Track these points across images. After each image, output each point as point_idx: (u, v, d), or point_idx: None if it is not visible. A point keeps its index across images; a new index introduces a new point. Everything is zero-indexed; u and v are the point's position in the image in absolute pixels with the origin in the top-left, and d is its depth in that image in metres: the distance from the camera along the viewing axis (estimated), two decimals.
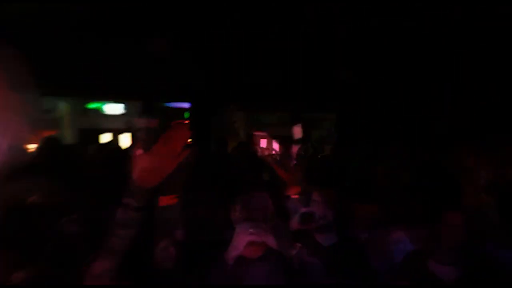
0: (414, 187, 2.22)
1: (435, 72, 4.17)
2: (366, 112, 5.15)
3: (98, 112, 9.59)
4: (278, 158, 1.21)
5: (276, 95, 5.11)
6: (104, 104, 9.53)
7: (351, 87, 4.84)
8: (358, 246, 1.58)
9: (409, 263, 1.44)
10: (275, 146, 1.24)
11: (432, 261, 1.44)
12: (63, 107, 8.80)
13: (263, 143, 1.26)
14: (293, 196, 1.22)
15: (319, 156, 4.01)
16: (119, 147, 4.41)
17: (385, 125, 4.70)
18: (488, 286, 1.36)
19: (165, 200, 1.32)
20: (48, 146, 2.57)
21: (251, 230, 1.24)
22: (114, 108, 9.56)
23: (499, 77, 3.74)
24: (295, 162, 1.18)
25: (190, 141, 0.90)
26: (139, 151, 0.86)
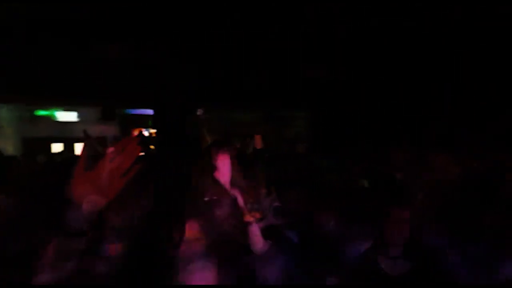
0: (368, 187, 2.41)
1: (408, 73, 4.51)
2: (337, 111, 5.41)
3: (49, 120, 9.02)
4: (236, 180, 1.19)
5: (249, 94, 5.19)
6: (56, 110, 8.99)
7: (324, 86, 5.07)
8: (324, 243, 1.68)
9: (361, 260, 1.56)
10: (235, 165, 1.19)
11: (381, 256, 1.60)
12: (4, 114, 8.17)
13: (221, 160, 1.22)
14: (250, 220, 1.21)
15: (286, 157, 4.16)
16: (72, 158, 4.18)
17: (354, 125, 4.98)
18: (434, 279, 1.51)
19: (112, 249, 1.25)
20: None
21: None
22: (67, 115, 9.06)
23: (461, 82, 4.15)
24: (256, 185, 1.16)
25: (141, 155, 0.83)
26: (81, 167, 0.79)
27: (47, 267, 0.76)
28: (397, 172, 2.04)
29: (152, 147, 4.86)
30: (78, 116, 9.10)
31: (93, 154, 0.86)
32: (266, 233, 1.47)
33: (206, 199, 1.80)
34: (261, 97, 5.40)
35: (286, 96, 5.48)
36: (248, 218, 1.22)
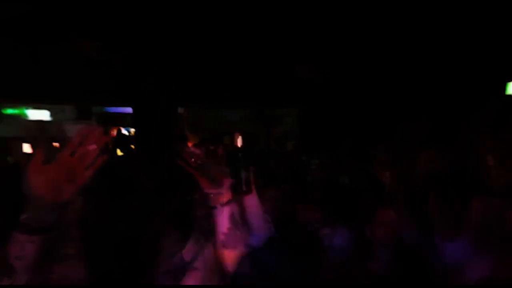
0: (352, 188, 2.48)
1: (393, 74, 4.66)
2: (325, 110, 5.53)
3: (19, 119, 8.76)
4: (204, 168, 1.17)
5: (239, 93, 5.24)
6: (27, 109, 8.75)
7: (313, 84, 5.17)
8: (309, 242, 1.72)
9: (347, 262, 1.60)
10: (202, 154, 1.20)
11: (372, 260, 1.63)
12: None
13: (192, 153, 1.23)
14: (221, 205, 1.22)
15: (274, 154, 4.23)
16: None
17: (343, 123, 5.10)
18: (421, 280, 1.56)
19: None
20: None
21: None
22: (40, 114, 8.84)
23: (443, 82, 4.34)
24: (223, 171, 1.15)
25: (105, 148, 0.80)
26: (38, 160, 0.75)
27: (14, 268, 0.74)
28: (383, 171, 2.12)
29: (132, 146, 4.81)
30: (52, 115, 8.89)
31: (50, 145, 0.82)
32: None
33: (187, 197, 1.82)
34: (251, 96, 5.46)
35: (275, 95, 5.57)
36: (213, 202, 1.20)
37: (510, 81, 4.41)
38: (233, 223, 1.19)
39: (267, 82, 5.14)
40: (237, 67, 4.83)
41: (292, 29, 3.90)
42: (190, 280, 1.21)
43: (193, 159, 1.25)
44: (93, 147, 0.78)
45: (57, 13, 3.26)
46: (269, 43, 4.24)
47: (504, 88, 4.32)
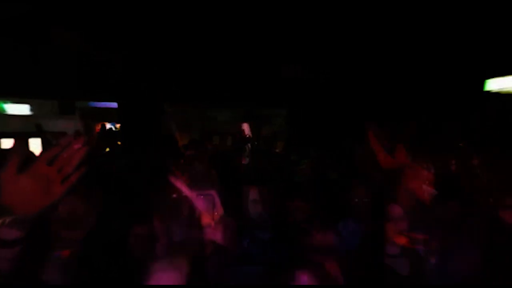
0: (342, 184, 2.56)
1: (382, 71, 4.77)
2: (314, 109, 5.60)
3: None
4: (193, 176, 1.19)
5: (228, 93, 5.26)
6: (5, 103, 8.49)
7: (302, 85, 5.24)
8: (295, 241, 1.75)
9: (364, 256, 1.63)
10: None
11: (385, 254, 1.67)
12: None
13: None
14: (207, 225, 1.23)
15: (254, 155, 4.30)
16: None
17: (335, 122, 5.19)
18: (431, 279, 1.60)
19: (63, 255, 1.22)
20: None
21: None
22: (18, 108, 8.58)
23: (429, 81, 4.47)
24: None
25: (84, 160, 0.76)
26: (12, 169, 0.70)
27: None
28: (372, 171, 2.17)
29: (119, 143, 4.75)
30: (32, 110, 8.65)
31: (27, 154, 0.80)
32: (238, 233, 1.52)
33: (174, 196, 1.83)
34: (240, 95, 5.50)
35: (265, 95, 5.63)
36: (206, 221, 1.22)
37: (488, 79, 4.62)
38: (226, 238, 1.20)
39: (257, 83, 5.21)
40: (228, 68, 4.88)
41: (280, 31, 3.97)
42: None
43: (183, 161, 1.27)
44: (77, 146, 0.74)
45: (56, 13, 3.23)
46: (259, 44, 4.30)
47: (482, 85, 4.51)
